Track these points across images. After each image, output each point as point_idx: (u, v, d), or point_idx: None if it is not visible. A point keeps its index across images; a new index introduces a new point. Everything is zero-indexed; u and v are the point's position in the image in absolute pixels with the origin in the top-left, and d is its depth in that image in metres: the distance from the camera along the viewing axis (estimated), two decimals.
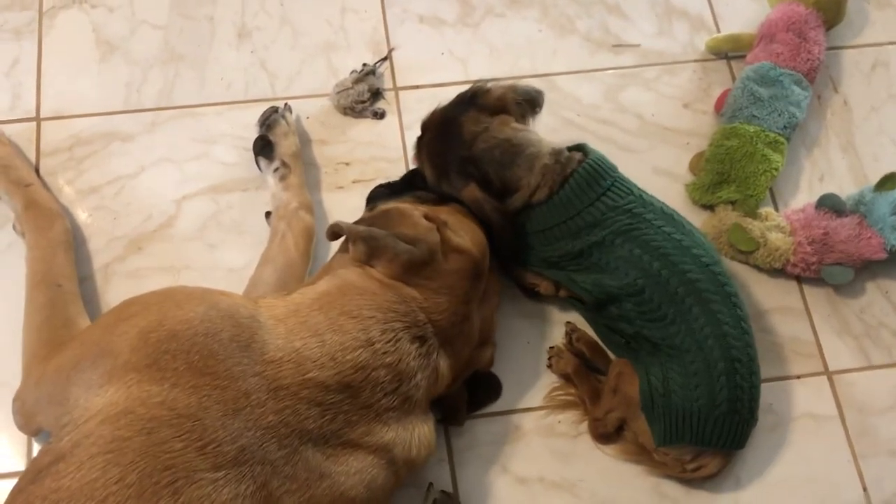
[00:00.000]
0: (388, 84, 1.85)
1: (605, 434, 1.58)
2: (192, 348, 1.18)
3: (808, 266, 1.69)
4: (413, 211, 1.46)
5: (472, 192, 1.52)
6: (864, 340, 1.70)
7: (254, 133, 1.73)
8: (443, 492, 1.53)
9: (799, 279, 1.73)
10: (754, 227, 1.70)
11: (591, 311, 1.58)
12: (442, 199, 1.58)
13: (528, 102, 1.56)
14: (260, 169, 1.72)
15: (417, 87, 1.85)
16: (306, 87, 1.83)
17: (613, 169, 1.56)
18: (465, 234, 1.47)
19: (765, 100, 1.76)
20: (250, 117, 1.75)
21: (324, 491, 1.21)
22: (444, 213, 1.51)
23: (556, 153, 1.53)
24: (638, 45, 1.94)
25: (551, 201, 1.52)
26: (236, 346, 1.20)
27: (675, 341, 1.47)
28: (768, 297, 1.71)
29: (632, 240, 1.50)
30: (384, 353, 1.29)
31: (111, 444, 1.10)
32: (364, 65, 1.82)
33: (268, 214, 1.70)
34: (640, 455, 1.56)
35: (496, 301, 1.56)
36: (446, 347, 1.39)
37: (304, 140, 1.78)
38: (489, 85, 1.55)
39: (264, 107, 1.75)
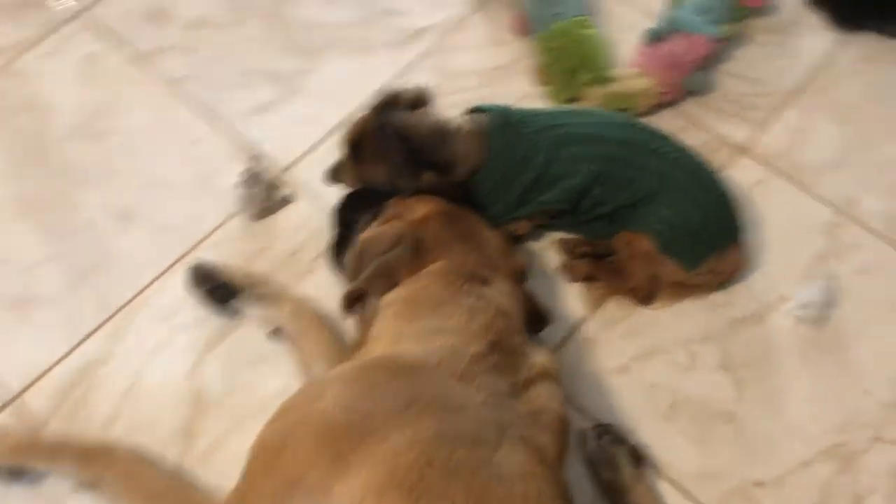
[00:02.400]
0: (273, 174, 1.93)
1: (647, 295, 1.77)
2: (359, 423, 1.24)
3: (674, 87, 1.98)
4: (373, 232, 1.61)
5: (429, 178, 1.67)
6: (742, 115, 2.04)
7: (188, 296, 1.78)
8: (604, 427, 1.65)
9: (672, 103, 2.03)
10: (618, 87, 1.97)
11: (570, 217, 1.77)
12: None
13: (427, 94, 1.73)
14: (233, 311, 1.77)
15: (298, 159, 1.96)
16: (211, 222, 1.88)
17: (510, 107, 1.77)
18: (417, 207, 1.64)
19: None
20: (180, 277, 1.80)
21: (547, 419, 1.33)
22: (391, 210, 1.67)
23: (469, 120, 1.71)
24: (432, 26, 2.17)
25: (489, 157, 1.70)
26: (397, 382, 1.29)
27: (647, 191, 1.69)
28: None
29: (565, 143, 1.70)
30: (480, 308, 1.42)
31: None
32: (244, 171, 1.90)
33: (274, 331, 1.74)
34: (682, 291, 1.78)
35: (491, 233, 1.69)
36: (488, 277, 1.54)
37: (245, 259, 1.84)
38: (399, 89, 1.70)
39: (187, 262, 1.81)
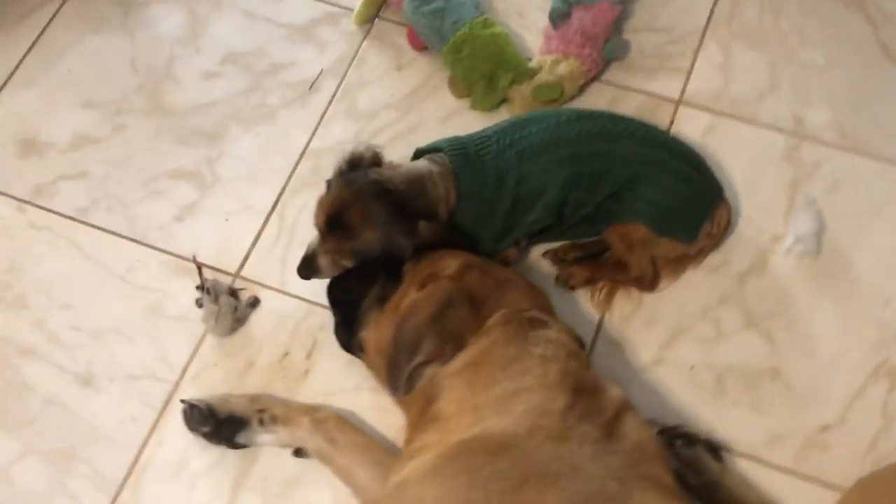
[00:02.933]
0: (228, 279, 1.78)
1: (652, 280, 1.73)
2: None
3: (594, 61, 1.92)
4: (415, 299, 1.46)
5: (425, 228, 1.54)
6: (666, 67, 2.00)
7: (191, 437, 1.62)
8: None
9: (596, 78, 1.97)
10: (543, 78, 1.89)
11: (556, 228, 1.70)
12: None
13: (379, 150, 1.60)
14: (248, 445, 1.61)
15: (247, 253, 1.80)
16: (182, 354, 1.71)
17: (459, 137, 1.66)
18: (443, 263, 1.52)
19: (443, 6, 1.92)
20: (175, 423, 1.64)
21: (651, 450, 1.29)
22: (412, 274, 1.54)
23: (432, 162, 1.60)
24: (321, 71, 2.01)
25: (463, 195, 1.60)
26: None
27: (624, 178, 1.63)
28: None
29: (529, 157, 1.62)
30: (551, 356, 1.35)
31: None
32: (197, 288, 1.73)
33: (297, 451, 1.61)
34: (682, 264, 1.74)
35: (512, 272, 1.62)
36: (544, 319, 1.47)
37: (234, 382, 1.69)
38: (354, 150, 1.56)
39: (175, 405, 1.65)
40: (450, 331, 1.39)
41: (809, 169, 1.86)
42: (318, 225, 1.55)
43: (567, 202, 1.64)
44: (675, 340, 1.69)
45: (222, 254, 1.81)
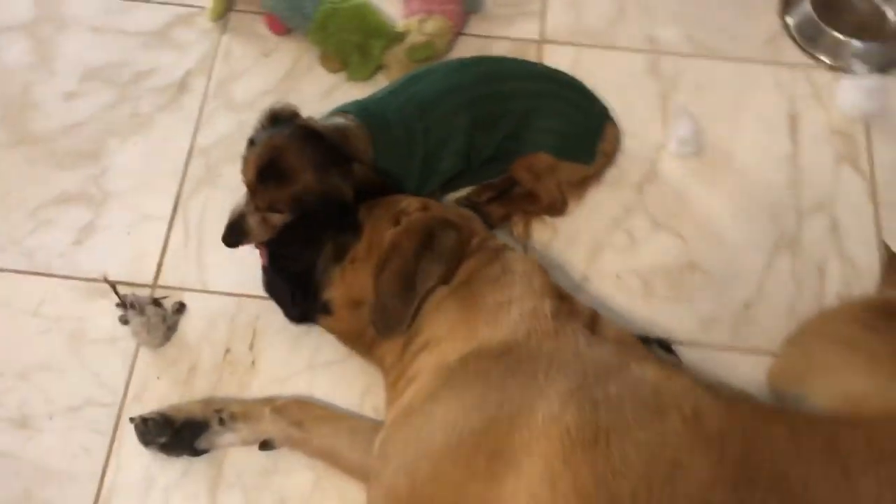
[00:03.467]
0: (146, 291, 1.72)
1: (561, 205, 1.81)
2: None
3: (458, 15, 1.99)
4: (396, 234, 1.46)
5: (359, 170, 1.53)
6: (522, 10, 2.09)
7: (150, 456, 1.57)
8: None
9: (461, 31, 2.03)
10: (414, 39, 1.93)
11: (466, 173, 1.74)
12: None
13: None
14: (210, 448, 1.57)
15: (159, 262, 1.75)
16: (119, 377, 1.63)
17: (359, 101, 1.68)
18: (400, 204, 1.54)
19: None
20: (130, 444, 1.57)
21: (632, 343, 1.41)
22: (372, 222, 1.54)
23: (345, 119, 1.60)
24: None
25: (377, 150, 1.61)
26: None
27: (520, 114, 1.70)
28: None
29: (429, 108, 1.65)
30: (530, 270, 1.45)
31: None
32: (117, 306, 1.66)
33: (263, 444, 1.57)
34: (585, 185, 1.83)
35: None
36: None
37: (181, 389, 1.63)
38: (273, 107, 1.54)
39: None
40: (449, 253, 1.42)
41: (672, 80, 2.00)
42: (247, 180, 1.50)
43: (473, 145, 1.70)
44: (596, 256, 1.78)
45: (133, 268, 1.74)
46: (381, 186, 1.58)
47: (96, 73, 1.97)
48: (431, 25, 1.95)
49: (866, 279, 1.77)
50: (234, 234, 1.53)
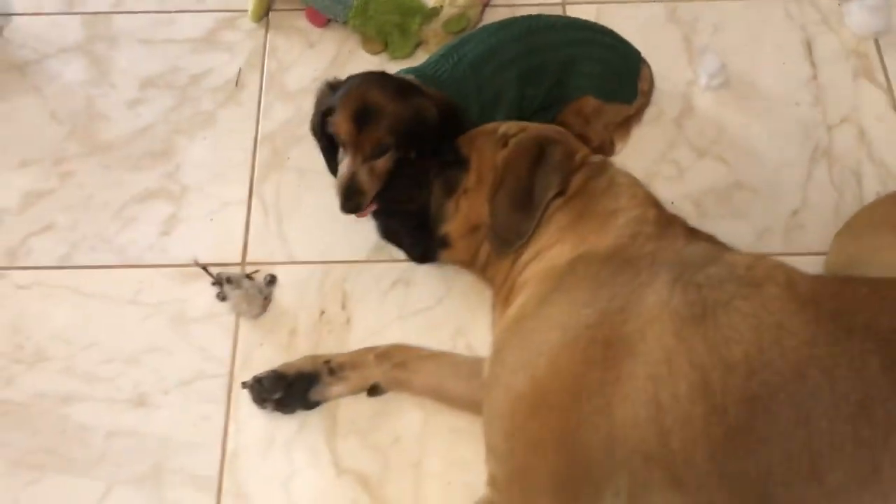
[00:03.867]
0: (237, 269, 1.82)
1: (611, 145, 1.94)
2: None
3: None
4: (511, 151, 1.56)
5: (437, 96, 1.64)
6: None
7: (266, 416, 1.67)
8: None
9: (487, 3, 2.16)
10: (449, 12, 2.06)
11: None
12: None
13: None
14: (321, 401, 1.67)
15: (244, 246, 1.85)
16: (225, 350, 1.73)
17: (411, 67, 1.80)
18: (500, 127, 1.64)
19: None
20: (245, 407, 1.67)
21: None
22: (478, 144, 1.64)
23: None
24: (239, 69, 2.10)
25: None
26: None
27: (563, 64, 1.82)
28: None
29: (479, 68, 1.76)
30: (632, 181, 1.58)
31: None
32: (213, 285, 1.77)
33: (371, 390, 1.67)
34: (629, 125, 1.96)
35: None
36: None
37: (284, 354, 1.73)
38: (327, 80, 1.66)
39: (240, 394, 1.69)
40: (561, 164, 1.53)
41: (691, 24, 2.14)
42: (344, 131, 1.57)
43: (524, 97, 1.82)
44: (649, 187, 1.90)
45: (220, 250, 1.85)
46: (458, 114, 1.67)
47: (154, 80, 2.08)
48: None
49: None
50: (352, 196, 1.59)
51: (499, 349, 1.45)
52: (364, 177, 1.59)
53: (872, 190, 1.89)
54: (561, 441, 1.33)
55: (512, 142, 1.57)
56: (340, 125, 1.58)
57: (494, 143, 1.60)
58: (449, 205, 1.62)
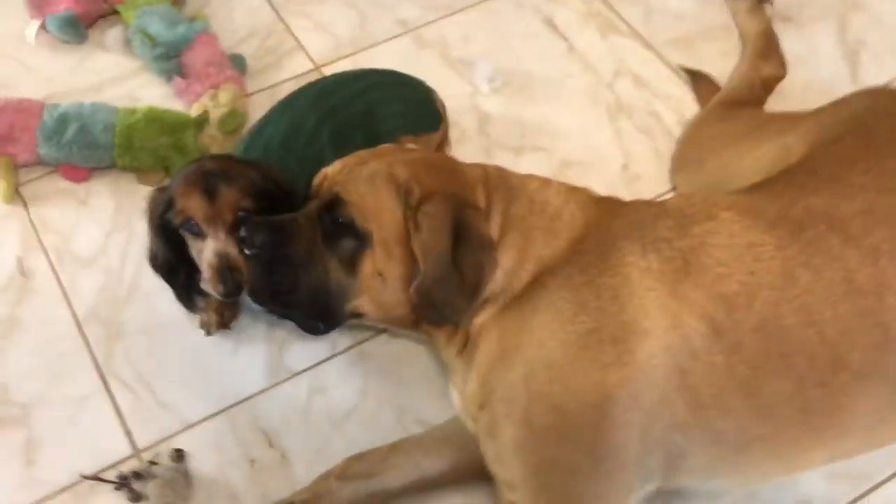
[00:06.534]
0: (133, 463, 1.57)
1: None
2: None
3: (238, 79, 2.00)
4: (422, 237, 1.37)
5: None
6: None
7: None
8: None
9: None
10: (217, 114, 1.91)
11: None
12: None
13: None
14: None
15: (128, 436, 1.60)
16: None
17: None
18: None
19: (82, 122, 1.85)
20: None
21: None
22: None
23: None
24: (18, 257, 1.80)
25: None
26: None
27: (364, 112, 1.76)
28: None
29: (290, 146, 1.69)
30: None
31: None
32: (119, 489, 1.50)
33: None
34: (442, 147, 1.91)
35: None
36: None
37: None
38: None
39: None
40: (481, 233, 1.36)
41: (441, 42, 2.17)
42: (195, 208, 1.47)
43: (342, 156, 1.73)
44: None
45: (103, 451, 1.57)
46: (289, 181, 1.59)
47: None
48: (224, 96, 1.94)
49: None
50: (228, 275, 1.47)
51: (490, 392, 1.36)
52: (234, 250, 1.46)
53: (672, 121, 2.02)
54: (598, 455, 1.28)
55: (423, 220, 1.35)
56: (190, 204, 1.47)
57: (394, 207, 1.39)
58: (353, 283, 1.43)
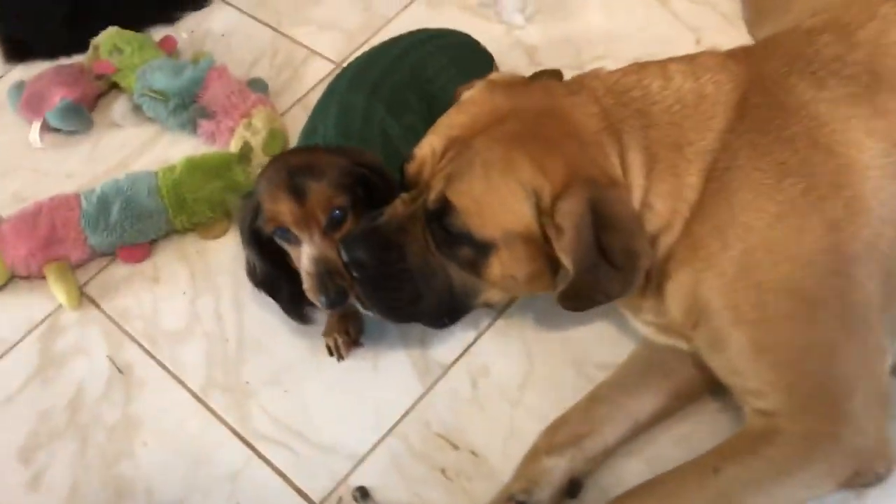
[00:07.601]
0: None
1: None
2: None
3: (264, 101, 1.85)
4: (568, 236, 1.18)
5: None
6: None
7: None
8: None
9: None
10: (260, 140, 1.77)
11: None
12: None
13: None
14: None
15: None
16: None
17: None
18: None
19: (125, 197, 1.69)
20: None
21: None
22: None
23: None
24: (108, 357, 1.62)
25: None
26: None
27: (412, 70, 1.64)
28: None
29: (350, 128, 1.54)
30: None
31: None
32: None
33: (571, 490, 1.31)
34: None
35: None
36: None
37: None
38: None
39: None
40: (628, 214, 1.19)
41: None
42: (284, 211, 1.30)
43: (408, 127, 1.59)
44: None
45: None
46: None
47: (28, 455, 1.54)
48: (259, 121, 1.80)
49: None
50: (329, 283, 1.30)
51: (705, 307, 1.19)
52: (333, 254, 1.30)
53: None
54: (849, 325, 1.13)
55: (563, 223, 1.16)
56: (277, 209, 1.30)
57: (520, 210, 1.20)
58: (480, 282, 1.28)
